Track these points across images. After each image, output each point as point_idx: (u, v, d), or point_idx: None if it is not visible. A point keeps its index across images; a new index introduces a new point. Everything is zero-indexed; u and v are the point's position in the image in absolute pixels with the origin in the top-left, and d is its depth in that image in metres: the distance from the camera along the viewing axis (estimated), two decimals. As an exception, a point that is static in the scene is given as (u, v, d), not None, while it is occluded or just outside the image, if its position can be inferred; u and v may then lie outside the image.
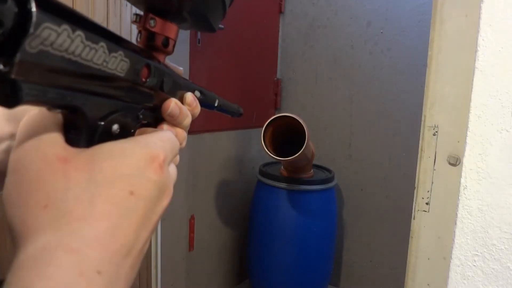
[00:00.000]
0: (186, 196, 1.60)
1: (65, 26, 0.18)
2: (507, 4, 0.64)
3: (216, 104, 0.41)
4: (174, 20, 0.31)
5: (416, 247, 0.78)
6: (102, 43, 0.21)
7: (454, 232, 0.71)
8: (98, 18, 1.08)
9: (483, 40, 0.66)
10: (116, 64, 0.22)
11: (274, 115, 1.47)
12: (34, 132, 0.22)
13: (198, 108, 0.34)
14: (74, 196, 0.21)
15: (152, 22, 0.29)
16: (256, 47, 1.98)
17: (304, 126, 1.41)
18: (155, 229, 0.25)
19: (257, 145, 1.97)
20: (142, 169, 0.23)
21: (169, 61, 0.34)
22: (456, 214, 0.71)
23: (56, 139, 0.22)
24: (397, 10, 1.76)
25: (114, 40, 0.22)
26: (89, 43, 0.19)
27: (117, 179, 0.22)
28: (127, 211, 0.22)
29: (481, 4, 0.65)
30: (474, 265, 0.71)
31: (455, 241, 0.71)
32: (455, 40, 0.70)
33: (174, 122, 0.31)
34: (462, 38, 0.69)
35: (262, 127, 1.46)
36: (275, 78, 2.14)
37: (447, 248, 0.73)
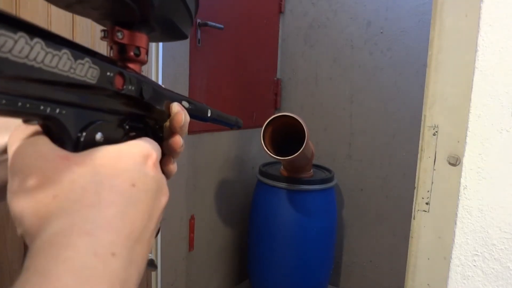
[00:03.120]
0: (186, 196, 1.60)
1: (21, 34, 0.18)
2: (507, 4, 0.64)
3: (209, 115, 0.41)
4: (141, 29, 0.31)
5: (416, 247, 0.78)
6: (65, 50, 0.21)
7: (454, 232, 0.71)
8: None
9: (483, 40, 0.66)
10: (85, 71, 0.22)
11: (274, 115, 1.47)
12: (27, 139, 0.23)
13: (187, 117, 0.35)
14: (81, 187, 0.22)
15: (119, 34, 0.30)
16: (256, 47, 1.98)
17: (304, 125, 1.41)
18: (159, 224, 0.27)
19: (257, 145, 1.97)
20: (139, 165, 0.25)
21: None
22: (456, 214, 0.71)
23: (50, 142, 0.23)
24: (397, 10, 1.76)
25: (79, 49, 0.22)
26: (50, 50, 0.20)
27: (118, 173, 0.23)
28: (131, 201, 0.23)
29: (481, 4, 0.65)
30: (474, 265, 0.71)
31: (455, 241, 0.71)
32: (455, 40, 0.70)
33: (181, 132, 0.33)
34: (462, 38, 0.69)
35: (262, 127, 1.46)
36: (275, 78, 2.14)
37: (447, 248, 0.73)
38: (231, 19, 1.74)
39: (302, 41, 2.06)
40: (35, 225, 0.21)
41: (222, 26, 1.63)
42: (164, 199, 0.27)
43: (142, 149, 0.26)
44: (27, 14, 0.90)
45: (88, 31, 1.05)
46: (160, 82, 1.31)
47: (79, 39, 1.03)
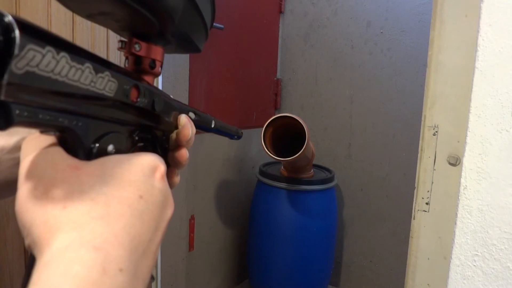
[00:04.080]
0: (186, 196, 1.60)
1: (49, 48, 0.18)
2: (507, 4, 0.64)
3: (212, 126, 0.42)
4: (158, 42, 0.32)
5: (416, 247, 0.78)
6: (88, 64, 0.21)
7: (454, 232, 0.71)
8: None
9: (483, 40, 0.66)
10: (104, 84, 0.23)
11: (274, 115, 1.47)
12: (39, 148, 0.24)
13: (193, 129, 0.36)
14: (90, 198, 0.22)
15: (137, 46, 0.31)
16: (256, 47, 1.98)
17: (304, 126, 1.41)
18: (164, 236, 0.26)
19: (257, 145, 1.97)
20: (147, 177, 0.25)
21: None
22: (456, 214, 0.71)
23: (63, 152, 0.24)
24: (397, 10, 1.76)
25: (100, 62, 0.22)
26: (74, 64, 0.20)
27: (127, 184, 0.23)
28: (139, 213, 0.23)
29: (481, 4, 0.65)
30: (474, 265, 0.70)
31: (455, 241, 0.71)
32: (455, 40, 0.70)
33: (187, 145, 0.34)
34: (462, 38, 0.69)
35: (262, 127, 1.46)
36: (275, 78, 2.14)
37: (447, 248, 0.73)
38: (231, 19, 1.74)
39: (302, 41, 2.06)
40: (44, 236, 0.21)
41: (222, 26, 1.63)
42: (169, 211, 0.27)
43: (150, 161, 0.26)
44: (27, 13, 0.90)
45: (88, 31, 1.05)
46: (160, 82, 1.31)
47: (79, 39, 1.03)
